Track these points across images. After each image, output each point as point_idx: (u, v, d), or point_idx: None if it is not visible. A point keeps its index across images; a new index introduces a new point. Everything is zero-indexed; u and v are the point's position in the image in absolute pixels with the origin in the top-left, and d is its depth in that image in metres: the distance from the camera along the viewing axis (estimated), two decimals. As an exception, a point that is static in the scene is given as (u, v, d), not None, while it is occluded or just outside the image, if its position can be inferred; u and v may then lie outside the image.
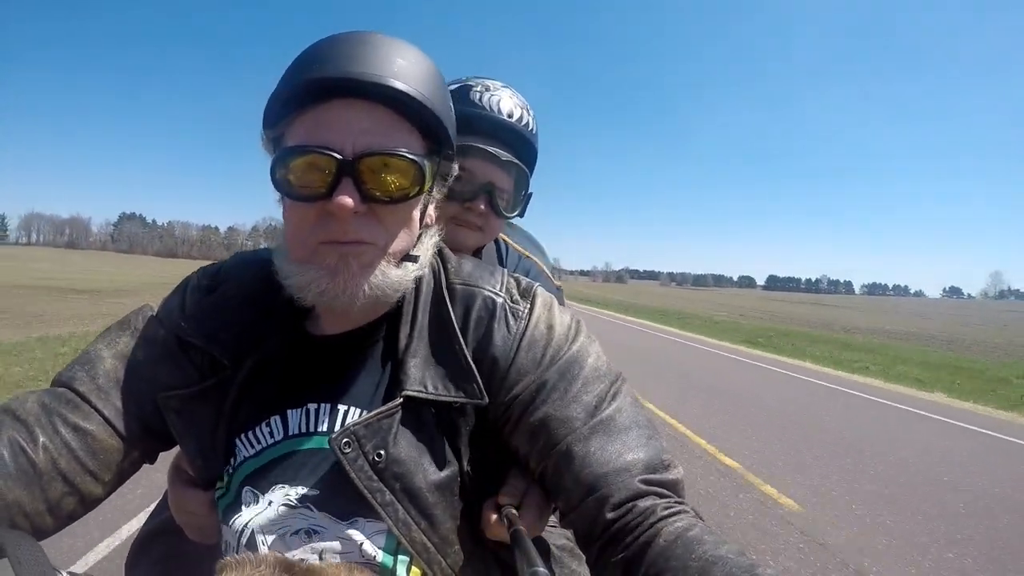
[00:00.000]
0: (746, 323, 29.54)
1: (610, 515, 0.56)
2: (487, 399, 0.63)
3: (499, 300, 0.67)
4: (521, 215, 1.10)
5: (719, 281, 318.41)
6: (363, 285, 0.58)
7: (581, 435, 0.60)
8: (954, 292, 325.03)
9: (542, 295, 0.71)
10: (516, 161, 1.01)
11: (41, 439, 0.58)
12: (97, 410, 0.63)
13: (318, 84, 0.56)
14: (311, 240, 0.58)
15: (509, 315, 0.66)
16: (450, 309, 0.66)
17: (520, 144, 1.03)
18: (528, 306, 0.68)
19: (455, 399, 0.62)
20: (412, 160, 0.57)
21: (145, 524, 0.83)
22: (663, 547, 0.52)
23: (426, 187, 0.60)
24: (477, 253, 1.09)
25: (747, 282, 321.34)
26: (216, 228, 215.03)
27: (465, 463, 0.64)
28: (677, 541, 0.51)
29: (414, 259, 0.65)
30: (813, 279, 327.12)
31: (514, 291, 0.70)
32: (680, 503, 0.58)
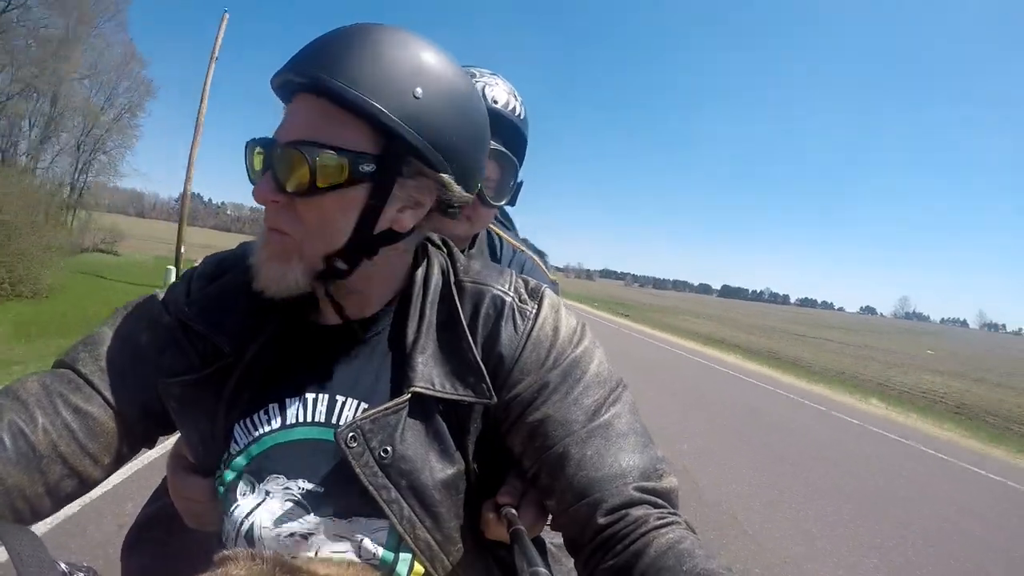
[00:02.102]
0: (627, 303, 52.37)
1: (602, 520, 0.56)
2: (495, 398, 0.62)
3: (507, 299, 0.66)
4: (512, 203, 1.09)
5: (678, 286, 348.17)
6: (271, 272, 0.59)
7: (579, 438, 0.60)
8: (868, 311, 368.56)
9: (550, 297, 0.70)
10: (501, 149, 0.98)
11: (41, 421, 0.58)
12: (99, 392, 0.62)
13: (278, 80, 0.59)
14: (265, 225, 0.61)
15: (517, 314, 0.66)
16: (459, 306, 0.65)
17: (506, 131, 1.00)
18: (535, 307, 0.67)
19: (463, 397, 0.61)
20: (324, 151, 0.55)
21: (142, 510, 0.82)
22: (654, 557, 0.52)
23: (342, 180, 0.56)
24: (472, 243, 1.08)
25: (704, 289, 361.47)
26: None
27: (470, 461, 0.63)
28: (668, 552, 0.51)
29: (354, 263, 0.61)
30: (758, 290, 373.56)
31: (522, 291, 0.68)
32: (673, 514, 0.57)
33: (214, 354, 0.65)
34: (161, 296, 0.71)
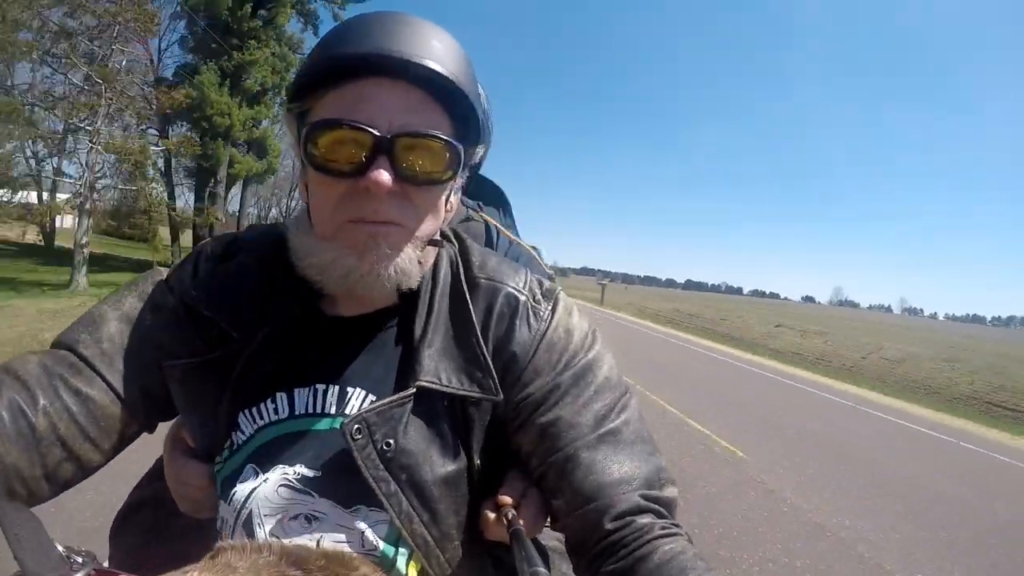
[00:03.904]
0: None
1: (609, 525, 0.55)
2: (502, 395, 0.60)
3: (522, 298, 0.65)
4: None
5: (647, 281, 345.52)
6: (389, 268, 0.55)
7: (589, 442, 0.59)
8: (808, 299, 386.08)
9: (564, 299, 0.68)
10: None
11: (42, 402, 0.55)
12: (100, 375, 0.59)
13: (353, 60, 0.53)
14: (338, 217, 0.55)
15: (531, 314, 0.64)
16: (470, 303, 0.63)
17: None
18: (550, 308, 0.65)
19: (469, 393, 0.59)
20: (449, 143, 0.55)
21: (133, 492, 0.79)
22: (657, 564, 0.51)
23: (456, 169, 0.57)
24: None
25: (670, 283, 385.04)
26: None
27: (474, 459, 0.61)
28: (672, 562, 0.51)
29: (438, 244, 0.64)
30: (717, 284, 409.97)
31: (537, 291, 0.67)
32: (676, 525, 0.57)
33: (220, 338, 0.62)
34: (165, 276, 0.67)
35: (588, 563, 0.57)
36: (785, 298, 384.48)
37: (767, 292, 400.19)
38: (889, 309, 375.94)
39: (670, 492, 0.60)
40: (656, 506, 0.57)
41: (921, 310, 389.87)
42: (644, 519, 0.55)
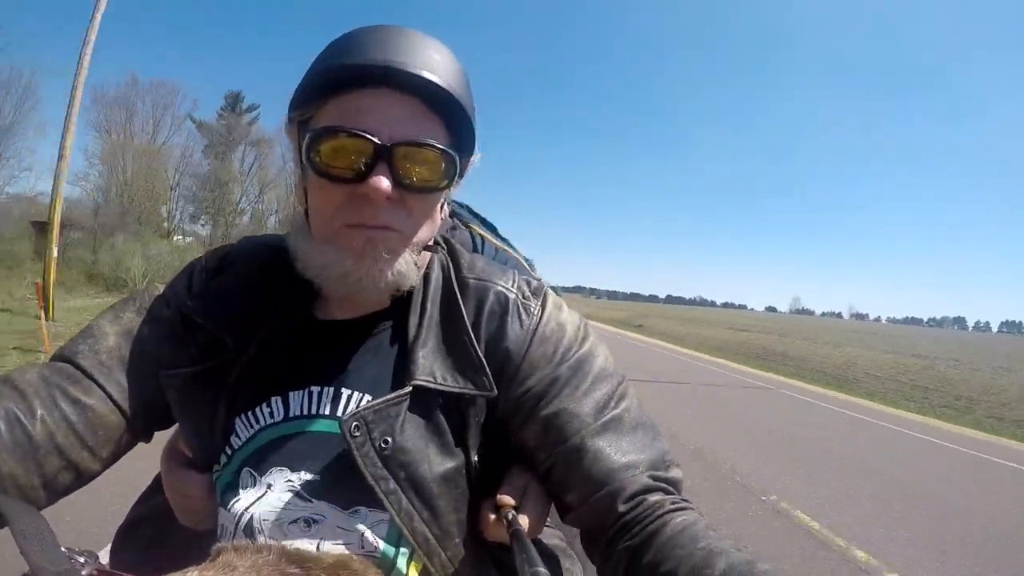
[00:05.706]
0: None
1: (622, 507, 0.56)
2: (496, 391, 0.60)
3: (511, 296, 0.66)
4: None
5: (631, 297, 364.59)
6: (386, 271, 0.57)
7: (593, 431, 0.59)
8: (771, 309, 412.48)
9: (552, 296, 0.69)
10: None
11: (39, 412, 0.56)
12: (99, 385, 0.60)
13: (355, 71, 0.55)
14: (336, 222, 0.57)
15: (521, 311, 0.65)
16: (461, 302, 0.64)
17: None
18: (539, 304, 0.66)
19: (464, 390, 0.60)
20: (446, 153, 0.57)
21: (133, 508, 0.79)
22: (670, 536, 0.52)
23: (452, 178, 0.59)
24: None
25: (653, 299, 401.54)
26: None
27: (471, 456, 0.61)
28: (684, 532, 0.52)
29: (432, 249, 0.66)
30: (692, 296, 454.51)
31: (525, 289, 0.67)
32: (686, 500, 0.58)
33: (216, 346, 0.62)
34: (161, 290, 0.69)
35: (604, 546, 0.57)
36: (751, 309, 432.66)
37: (736, 304, 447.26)
38: (840, 315, 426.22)
39: (676, 473, 0.61)
40: (665, 484, 0.59)
41: (867, 315, 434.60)
42: (655, 497, 0.57)
